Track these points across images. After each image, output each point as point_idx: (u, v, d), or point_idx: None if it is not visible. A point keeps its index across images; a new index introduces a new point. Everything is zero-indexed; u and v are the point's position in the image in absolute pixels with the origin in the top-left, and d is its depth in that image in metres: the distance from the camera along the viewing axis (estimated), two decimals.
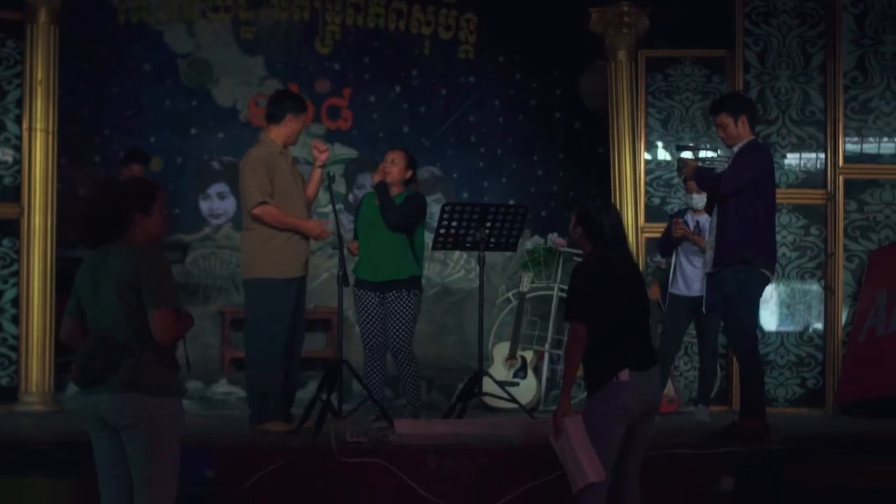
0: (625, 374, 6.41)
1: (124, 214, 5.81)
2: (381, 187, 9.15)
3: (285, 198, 8.73)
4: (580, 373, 6.74)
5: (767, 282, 8.53)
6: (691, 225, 9.74)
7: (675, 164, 9.58)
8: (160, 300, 5.67)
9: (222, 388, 10.72)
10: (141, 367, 5.75)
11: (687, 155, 9.22)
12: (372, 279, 9.17)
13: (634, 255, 10.70)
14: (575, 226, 6.73)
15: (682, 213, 10.00)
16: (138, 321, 5.71)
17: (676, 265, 9.83)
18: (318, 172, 8.98)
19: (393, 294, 9.14)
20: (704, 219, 9.69)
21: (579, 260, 11.42)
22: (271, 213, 8.64)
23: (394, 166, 9.26)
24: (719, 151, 9.48)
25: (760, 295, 8.59)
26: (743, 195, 8.46)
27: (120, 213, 5.81)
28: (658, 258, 10.59)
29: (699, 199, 9.68)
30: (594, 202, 6.91)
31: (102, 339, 5.79)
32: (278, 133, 8.87)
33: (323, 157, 8.94)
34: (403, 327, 9.13)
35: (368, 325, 9.17)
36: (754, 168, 8.51)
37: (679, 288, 9.80)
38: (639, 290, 6.71)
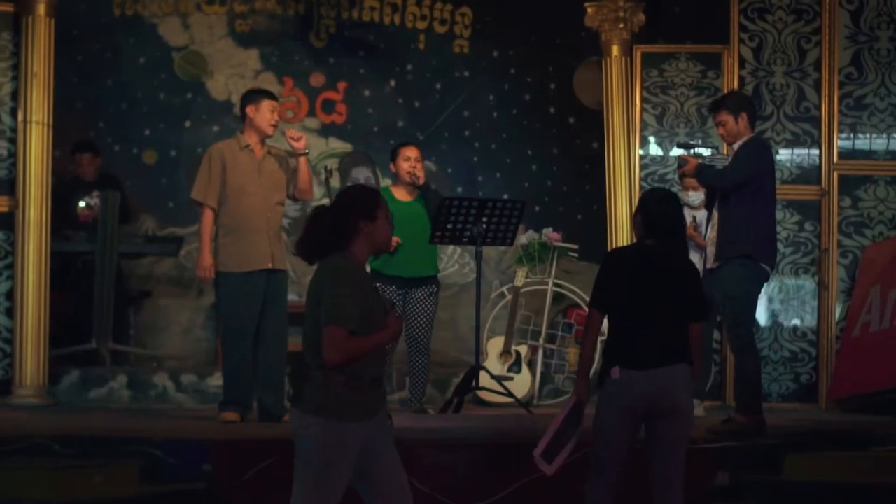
0: (615, 372, 6.31)
1: (350, 223, 5.61)
2: (427, 190, 9.29)
3: (235, 194, 8.86)
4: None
5: (767, 277, 8.56)
6: (687, 221, 9.76)
7: (676, 161, 9.61)
8: (332, 317, 5.39)
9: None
10: (314, 385, 5.49)
11: (686, 152, 9.24)
12: (400, 275, 9.29)
13: None
14: (636, 213, 6.62)
15: None
16: (319, 337, 5.45)
17: None
18: (302, 161, 8.99)
19: (421, 290, 9.35)
20: (701, 215, 9.74)
21: (574, 255, 11.58)
22: (202, 217, 8.93)
23: (419, 163, 9.43)
24: (718, 148, 9.49)
25: (760, 290, 8.62)
26: (744, 191, 8.50)
27: (346, 222, 5.61)
28: None
29: (696, 196, 9.74)
30: (655, 191, 6.82)
31: (299, 354, 5.63)
32: (248, 130, 9.00)
33: (300, 144, 8.94)
34: (427, 322, 9.36)
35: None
36: (755, 164, 8.56)
37: None
38: (670, 287, 6.44)
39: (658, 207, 6.54)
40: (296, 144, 8.93)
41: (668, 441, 6.35)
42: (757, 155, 8.63)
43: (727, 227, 8.58)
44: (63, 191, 11.15)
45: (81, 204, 11.13)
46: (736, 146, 8.75)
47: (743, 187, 8.50)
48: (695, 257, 9.65)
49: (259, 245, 8.82)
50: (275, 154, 9.04)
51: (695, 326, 6.49)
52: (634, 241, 6.74)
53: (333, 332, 5.36)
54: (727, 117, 8.75)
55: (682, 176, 9.83)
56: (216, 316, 8.97)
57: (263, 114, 8.95)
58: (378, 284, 9.34)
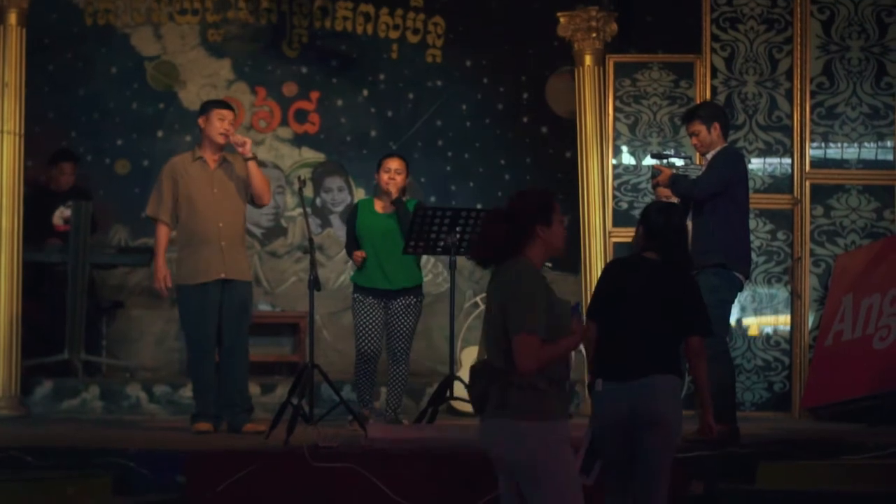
0: (598, 384, 6.27)
1: (528, 230, 5.55)
2: (400, 207, 9.30)
3: (187, 206, 8.98)
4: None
5: (741, 286, 8.60)
6: None
7: (649, 172, 9.63)
8: (523, 326, 5.35)
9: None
10: (508, 391, 5.44)
11: (659, 163, 9.26)
12: (383, 287, 9.30)
13: (595, 260, 10.82)
14: (638, 225, 6.56)
15: None
16: (507, 345, 5.39)
17: None
18: (250, 165, 9.02)
19: (401, 301, 9.35)
20: None
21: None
22: (157, 231, 9.08)
23: (399, 175, 9.40)
24: (691, 158, 9.53)
25: (733, 299, 8.66)
26: (717, 200, 8.56)
27: (524, 228, 5.55)
28: None
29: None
30: (657, 203, 6.78)
31: (483, 362, 5.59)
32: (203, 141, 9.11)
33: (245, 149, 8.99)
34: (408, 333, 9.40)
35: (368, 332, 9.31)
36: (728, 173, 8.62)
37: None
38: (662, 300, 6.35)
39: (660, 220, 6.49)
40: (241, 150, 8.97)
41: (646, 453, 6.22)
42: (730, 164, 8.69)
43: (700, 237, 8.62)
44: (38, 200, 11.12)
45: (67, 213, 11.05)
46: (709, 156, 8.80)
47: (716, 197, 8.55)
48: None
49: (210, 256, 8.87)
50: (231, 161, 9.05)
51: (694, 339, 6.39)
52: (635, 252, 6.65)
53: (526, 341, 5.35)
54: (700, 127, 8.80)
55: (655, 186, 9.85)
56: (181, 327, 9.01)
57: (213, 123, 9.02)
58: (356, 295, 9.36)
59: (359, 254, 9.33)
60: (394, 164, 9.47)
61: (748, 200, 8.79)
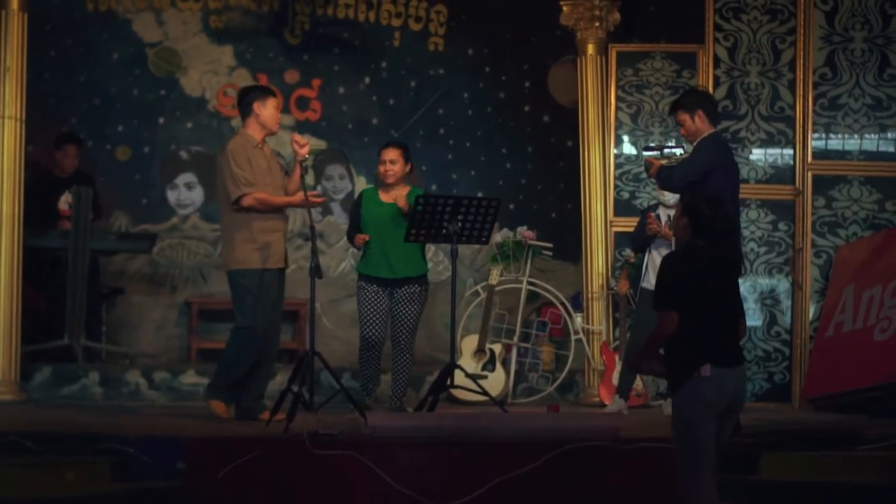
0: (706, 370, 6.24)
1: None
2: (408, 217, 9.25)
3: (275, 193, 8.83)
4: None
5: None
6: (663, 220, 9.81)
7: (644, 164, 9.62)
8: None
9: (190, 378, 10.68)
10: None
11: (653, 154, 9.23)
12: (387, 276, 9.29)
13: (595, 249, 10.83)
14: (679, 216, 6.54)
15: (653, 207, 10.07)
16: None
17: (648, 259, 9.89)
18: (299, 168, 8.96)
19: (405, 290, 9.34)
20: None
21: (549, 254, 11.58)
22: (259, 199, 8.72)
23: (394, 165, 9.35)
24: (685, 148, 9.49)
25: None
26: (698, 189, 8.50)
27: None
28: (626, 251, 10.64)
29: (671, 196, 9.76)
30: (702, 195, 6.73)
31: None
32: (253, 125, 8.92)
33: (304, 151, 8.88)
34: (411, 321, 9.39)
35: (373, 319, 9.30)
36: (705, 160, 8.55)
37: (650, 282, 9.85)
38: (732, 285, 6.52)
39: (709, 210, 6.47)
40: (300, 150, 8.89)
41: (724, 436, 6.43)
42: (708, 154, 8.62)
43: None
44: (41, 186, 11.11)
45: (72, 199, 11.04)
46: (695, 144, 8.80)
47: (696, 185, 8.51)
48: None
49: (279, 242, 8.86)
50: (271, 152, 9.05)
51: (741, 323, 6.55)
52: (681, 242, 6.64)
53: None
54: (684, 116, 8.77)
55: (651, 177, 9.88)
56: (235, 313, 8.86)
57: (270, 111, 8.94)
58: (361, 282, 9.35)
59: (361, 236, 9.30)
60: (389, 154, 9.43)
61: (735, 188, 8.67)
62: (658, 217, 9.85)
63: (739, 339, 6.53)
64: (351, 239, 9.51)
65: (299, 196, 8.85)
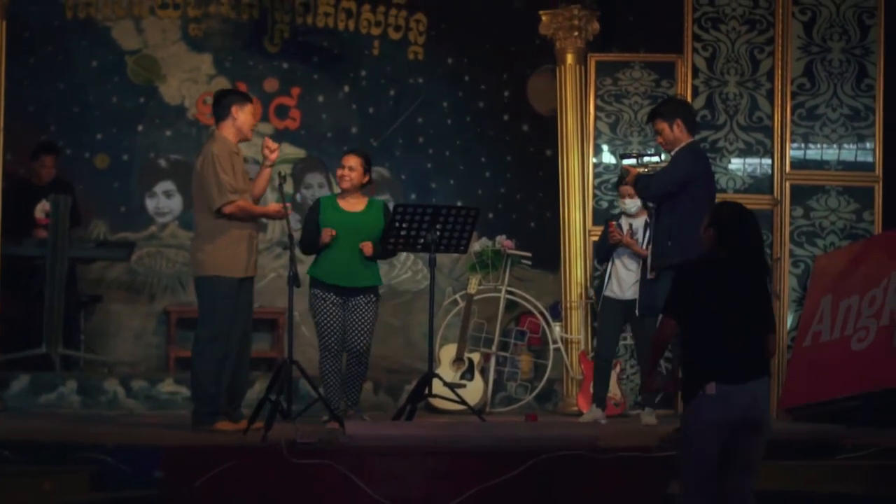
0: (711, 388, 6.15)
1: None
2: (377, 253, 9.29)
3: (244, 198, 8.76)
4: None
5: None
6: (624, 229, 9.89)
7: (619, 173, 9.66)
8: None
9: (168, 387, 10.66)
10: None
11: (630, 162, 9.26)
12: (345, 284, 9.27)
13: (574, 258, 10.85)
14: (707, 227, 6.45)
15: (615, 217, 10.16)
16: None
17: (611, 269, 9.94)
18: (267, 171, 8.96)
19: (361, 298, 9.32)
20: (637, 223, 9.86)
21: (527, 263, 11.59)
22: (241, 207, 8.67)
23: (352, 172, 9.34)
24: (662, 157, 9.51)
25: None
26: (675, 200, 8.55)
27: None
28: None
29: (632, 204, 9.88)
30: (730, 206, 6.67)
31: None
32: (228, 128, 8.86)
33: (273, 156, 8.91)
34: (367, 330, 9.34)
35: (330, 327, 9.27)
36: (682, 170, 8.60)
37: (613, 291, 9.93)
38: (754, 299, 6.38)
39: (737, 222, 6.41)
40: (270, 155, 8.88)
41: (749, 454, 6.29)
42: (685, 164, 8.66)
43: (658, 238, 8.68)
44: (19, 194, 11.08)
45: (49, 206, 10.99)
46: (672, 153, 8.82)
47: (673, 196, 8.53)
48: (632, 265, 9.80)
49: (252, 250, 8.81)
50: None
51: (770, 337, 6.41)
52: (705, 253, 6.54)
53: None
54: (662, 125, 8.81)
55: (618, 185, 9.93)
56: (203, 321, 8.78)
57: (248, 116, 8.90)
58: (316, 291, 9.30)
59: (328, 231, 9.23)
60: (349, 160, 9.42)
61: (712, 197, 8.69)
62: (619, 226, 9.92)
63: (768, 352, 6.40)
64: (308, 246, 9.41)
65: (274, 207, 8.83)
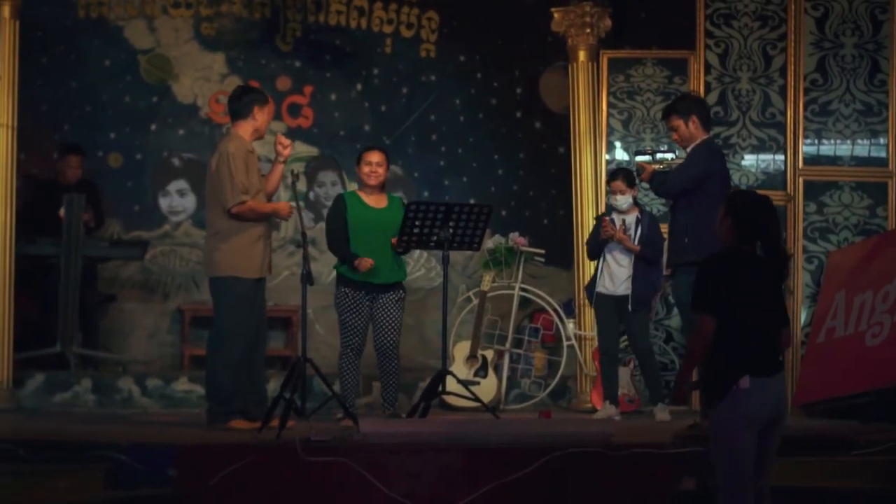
0: (745, 382, 6.11)
1: None
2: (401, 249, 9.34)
3: (259, 196, 8.74)
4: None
5: None
6: (617, 225, 9.88)
7: (634, 170, 9.66)
8: None
9: (182, 385, 10.69)
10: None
11: (644, 159, 9.26)
12: (373, 281, 9.29)
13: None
14: (723, 217, 6.39)
15: (607, 213, 10.15)
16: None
17: (603, 265, 9.93)
18: (280, 168, 8.94)
19: (389, 295, 9.37)
20: (630, 219, 9.85)
21: (541, 260, 11.59)
22: (251, 208, 8.62)
23: (379, 168, 9.43)
24: (676, 153, 9.50)
25: None
26: (691, 197, 8.56)
27: None
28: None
29: (623, 200, 9.87)
30: (748, 195, 6.62)
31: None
32: (246, 128, 8.82)
33: (286, 152, 8.89)
34: (395, 327, 9.40)
35: (355, 326, 9.31)
36: (700, 167, 8.61)
37: (605, 286, 9.92)
38: (774, 291, 6.37)
39: (756, 211, 6.36)
40: (283, 151, 8.87)
41: (768, 450, 6.31)
42: (701, 161, 8.67)
43: (675, 235, 8.69)
44: (45, 194, 11.12)
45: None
46: (688, 150, 8.81)
47: (689, 194, 8.53)
48: (624, 261, 9.79)
49: (267, 251, 8.79)
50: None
51: (784, 331, 6.41)
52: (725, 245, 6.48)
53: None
54: (678, 122, 8.81)
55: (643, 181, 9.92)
56: (214, 321, 8.77)
57: (265, 116, 8.88)
58: (346, 290, 9.34)
59: (367, 261, 9.27)
60: (374, 157, 9.47)
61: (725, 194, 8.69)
62: (613, 221, 9.91)
63: (782, 346, 6.40)
64: (343, 254, 9.41)
65: (283, 205, 8.82)
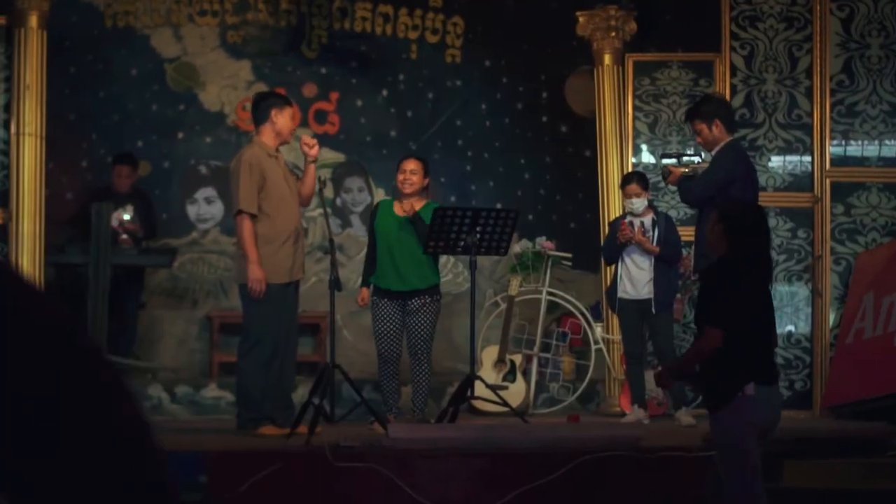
0: (750, 389, 6.08)
1: None
2: (417, 221, 9.21)
3: (280, 203, 8.72)
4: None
5: None
6: (635, 227, 9.86)
7: (661, 173, 9.66)
8: None
9: (212, 392, 10.72)
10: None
11: (671, 162, 9.26)
12: (397, 289, 9.30)
13: None
14: (715, 224, 6.42)
15: (622, 217, 10.13)
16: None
17: (622, 269, 9.91)
18: (311, 168, 8.95)
19: (417, 301, 9.33)
20: (648, 221, 9.83)
21: (568, 264, 11.60)
22: (247, 227, 8.59)
23: (414, 176, 9.38)
24: (703, 155, 9.49)
25: None
26: (717, 200, 8.52)
27: None
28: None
29: (639, 203, 9.84)
30: (740, 203, 6.66)
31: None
32: (268, 132, 8.84)
33: (314, 151, 8.89)
34: (426, 331, 9.35)
35: (388, 334, 9.31)
36: (725, 172, 8.59)
37: (627, 291, 9.90)
38: (769, 298, 6.43)
39: (750, 219, 6.41)
40: (310, 151, 8.87)
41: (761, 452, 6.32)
42: (722, 165, 8.65)
43: (702, 240, 8.64)
44: (96, 201, 11.18)
45: (126, 217, 11.11)
46: (713, 154, 8.80)
47: (714, 197, 8.53)
48: (645, 264, 9.78)
49: (295, 254, 8.78)
50: (284, 160, 9.02)
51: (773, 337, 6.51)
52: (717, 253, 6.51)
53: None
54: (701, 126, 8.79)
55: (670, 185, 9.91)
56: (242, 326, 8.80)
57: (287, 120, 8.88)
58: (375, 298, 9.36)
59: (364, 296, 9.46)
60: (409, 165, 9.48)
61: (755, 196, 8.67)
62: (631, 224, 9.89)
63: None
64: (367, 271, 9.52)
65: (254, 270, 8.54)
